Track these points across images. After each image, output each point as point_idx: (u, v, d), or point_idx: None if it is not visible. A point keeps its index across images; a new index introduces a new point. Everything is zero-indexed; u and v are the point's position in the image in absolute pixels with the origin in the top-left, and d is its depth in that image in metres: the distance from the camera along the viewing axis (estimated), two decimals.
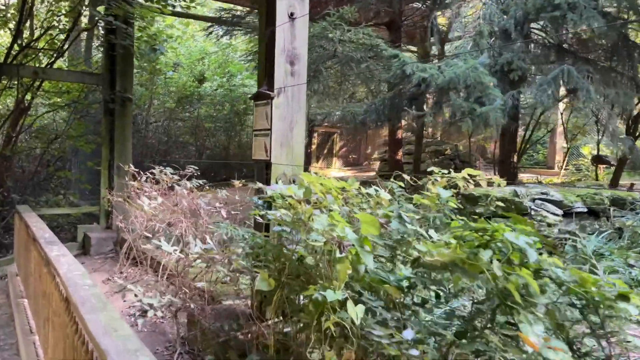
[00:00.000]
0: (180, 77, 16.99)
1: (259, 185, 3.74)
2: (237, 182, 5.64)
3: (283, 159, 4.34)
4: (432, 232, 2.36)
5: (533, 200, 6.04)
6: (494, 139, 15.14)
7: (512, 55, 6.84)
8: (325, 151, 18.78)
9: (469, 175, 3.03)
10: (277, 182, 4.33)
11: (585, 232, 6.00)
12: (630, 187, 9.10)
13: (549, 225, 5.87)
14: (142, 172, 6.55)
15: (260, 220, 3.60)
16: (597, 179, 12.35)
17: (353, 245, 2.22)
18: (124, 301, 5.94)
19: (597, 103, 6.25)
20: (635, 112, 7.96)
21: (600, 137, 9.78)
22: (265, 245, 3.02)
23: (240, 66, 18.38)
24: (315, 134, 18.46)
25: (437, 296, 2.56)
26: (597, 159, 12.74)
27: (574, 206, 5.90)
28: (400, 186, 3.35)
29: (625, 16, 6.65)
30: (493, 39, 7.17)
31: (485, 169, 13.81)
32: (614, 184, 8.36)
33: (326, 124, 19.90)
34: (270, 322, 4.13)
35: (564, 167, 12.87)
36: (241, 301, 4.58)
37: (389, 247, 2.50)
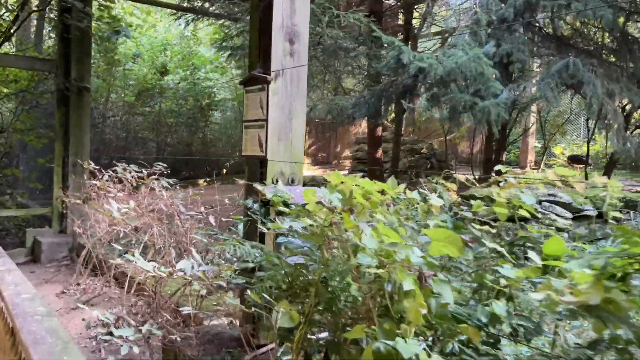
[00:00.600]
0: (140, 69, 15.93)
1: (259, 186, 3.07)
2: (202, 181, 4.92)
3: (281, 154, 3.67)
4: (532, 254, 1.77)
5: (539, 202, 5.58)
6: (468, 138, 14.84)
7: (511, 47, 6.37)
8: None
9: (562, 176, 2.45)
10: (274, 182, 3.66)
11: (595, 236, 5.59)
12: None
13: (559, 229, 5.43)
14: (102, 170, 5.73)
15: (264, 229, 2.93)
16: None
17: (435, 274, 1.60)
18: (83, 320, 5.12)
19: (600, 98, 5.84)
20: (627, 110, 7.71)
21: (587, 135, 9.51)
22: (278, 266, 2.35)
23: (204, 59, 17.46)
24: None
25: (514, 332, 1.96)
26: (573, 159, 12.59)
27: (584, 209, 5.49)
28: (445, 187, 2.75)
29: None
30: (491, 29, 6.69)
31: (458, 169, 13.48)
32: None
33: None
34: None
35: (541, 167, 12.68)
36: (225, 319, 3.87)
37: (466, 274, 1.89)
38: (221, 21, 17.65)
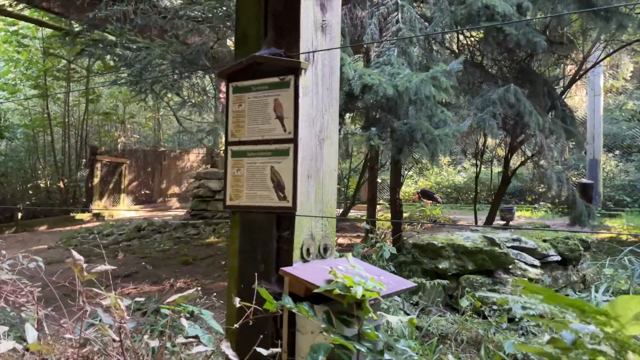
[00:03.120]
0: None
1: (296, 271, 1.43)
2: None
3: (311, 203, 2.06)
4: None
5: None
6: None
7: (439, 71, 5.58)
8: (112, 186, 15.16)
9: None
10: (304, 255, 2.01)
11: (558, 285, 4.97)
12: (507, 223, 8.84)
13: (531, 280, 4.67)
14: None
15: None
16: (427, 214, 12.22)
17: None
18: None
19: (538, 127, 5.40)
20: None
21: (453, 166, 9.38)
22: None
23: None
24: (98, 165, 14.76)
25: None
26: (424, 194, 12.67)
27: (549, 254, 4.86)
28: None
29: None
30: (417, 47, 5.87)
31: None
32: (490, 220, 7.87)
33: (115, 152, 16.31)
34: None
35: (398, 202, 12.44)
36: None
37: None
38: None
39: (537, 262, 4.78)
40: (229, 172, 2.11)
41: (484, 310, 4.29)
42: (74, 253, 1.55)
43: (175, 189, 17.16)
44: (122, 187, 15.46)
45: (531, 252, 4.83)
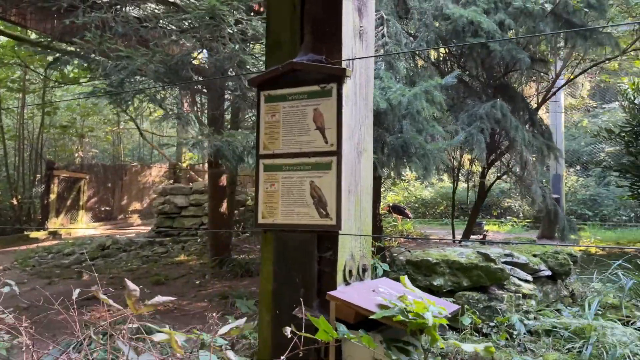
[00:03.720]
0: None
1: (349, 297, 1.29)
2: None
3: (351, 221, 1.92)
4: None
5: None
6: None
7: (433, 85, 5.59)
8: (69, 202, 14.46)
9: None
10: (346, 278, 1.87)
11: (549, 300, 4.97)
12: (483, 238, 8.89)
13: (524, 296, 4.64)
14: None
15: None
16: (399, 229, 12.22)
17: None
18: None
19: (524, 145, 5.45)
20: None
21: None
22: None
23: None
24: (55, 180, 14.08)
25: None
26: (395, 209, 12.67)
27: (540, 269, 4.86)
28: None
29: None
30: (402, 61, 5.85)
31: None
32: (466, 236, 7.90)
33: (73, 167, 15.62)
34: None
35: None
36: None
37: None
38: None
39: (529, 278, 4.76)
40: (261, 188, 1.94)
41: (481, 327, 4.22)
42: (129, 283, 1.34)
43: (136, 205, 16.55)
44: (81, 203, 14.79)
45: (523, 267, 4.82)
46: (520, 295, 4.62)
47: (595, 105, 15.14)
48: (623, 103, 8.39)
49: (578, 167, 14.50)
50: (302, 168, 1.86)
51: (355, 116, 1.94)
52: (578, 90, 13.85)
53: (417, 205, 15.12)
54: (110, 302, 1.49)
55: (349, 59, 1.88)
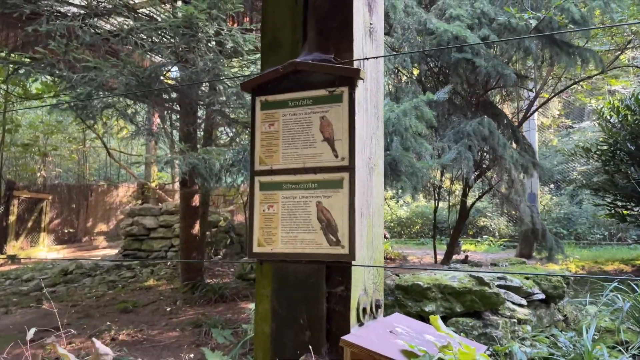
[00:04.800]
0: None
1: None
2: None
3: (364, 250, 1.62)
4: None
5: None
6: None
7: (423, 100, 5.43)
8: (30, 224, 13.72)
9: None
10: (360, 317, 1.58)
11: (543, 324, 4.76)
12: (466, 258, 8.68)
13: (519, 321, 4.41)
14: None
15: None
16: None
17: None
18: None
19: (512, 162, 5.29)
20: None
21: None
22: None
23: None
24: (15, 201, 13.37)
25: None
26: None
27: (533, 292, 4.65)
28: None
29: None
30: (386, 77, 5.66)
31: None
32: (448, 257, 7.69)
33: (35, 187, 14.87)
34: None
35: None
36: None
37: None
38: None
39: (524, 302, 4.55)
40: (257, 210, 1.64)
41: None
42: (98, 344, 1.01)
43: (102, 227, 15.86)
44: (43, 225, 14.06)
45: (516, 290, 4.61)
46: (515, 320, 4.39)
47: (570, 124, 15.37)
48: (600, 122, 8.42)
49: (552, 186, 14.61)
50: (306, 186, 1.57)
51: (367, 126, 1.67)
52: (548, 110, 14.01)
53: (392, 224, 14.93)
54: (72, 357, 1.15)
55: (361, 59, 1.62)
